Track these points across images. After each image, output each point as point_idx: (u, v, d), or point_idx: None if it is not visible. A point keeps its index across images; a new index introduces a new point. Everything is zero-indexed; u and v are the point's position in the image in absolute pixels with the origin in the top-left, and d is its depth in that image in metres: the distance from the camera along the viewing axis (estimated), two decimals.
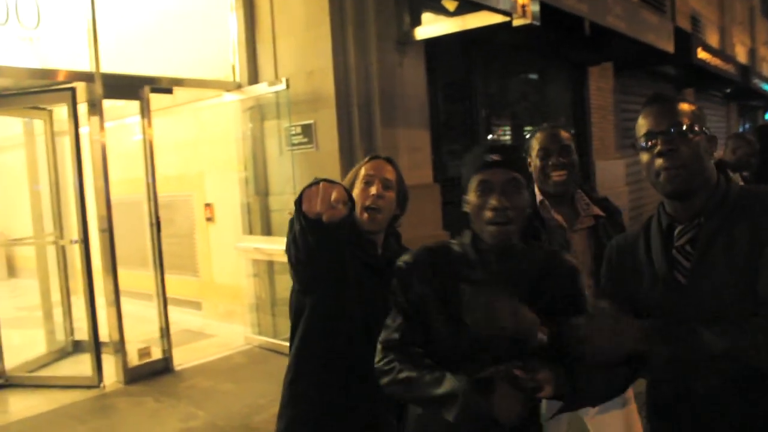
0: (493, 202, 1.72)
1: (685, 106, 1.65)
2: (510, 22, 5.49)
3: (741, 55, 21.44)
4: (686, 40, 11.67)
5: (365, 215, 2.18)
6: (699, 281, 1.59)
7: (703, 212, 1.63)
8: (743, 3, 23.14)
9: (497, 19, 5.57)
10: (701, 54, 12.54)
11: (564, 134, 2.72)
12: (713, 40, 18.06)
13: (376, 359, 1.83)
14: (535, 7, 5.61)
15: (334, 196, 1.67)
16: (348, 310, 2.14)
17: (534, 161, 2.69)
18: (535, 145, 2.71)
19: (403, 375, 1.74)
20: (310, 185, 1.74)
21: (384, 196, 2.21)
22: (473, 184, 1.76)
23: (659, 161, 1.60)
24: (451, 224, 6.85)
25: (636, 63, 11.63)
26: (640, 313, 1.68)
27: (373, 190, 2.19)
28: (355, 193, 2.19)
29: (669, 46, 9.98)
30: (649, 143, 1.63)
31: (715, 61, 13.90)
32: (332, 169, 5.66)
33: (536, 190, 2.67)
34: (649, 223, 1.78)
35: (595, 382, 1.66)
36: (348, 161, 5.69)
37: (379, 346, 1.84)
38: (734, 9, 21.22)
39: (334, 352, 2.16)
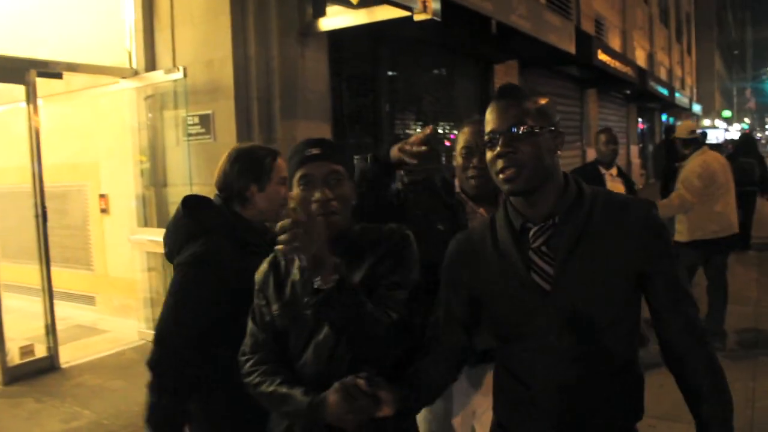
0: (316, 195, 1.76)
1: (529, 104, 1.61)
2: (412, 17, 5.52)
3: (641, 58, 22.41)
4: (587, 43, 12.09)
5: (280, 212, 2.25)
6: (562, 287, 1.57)
7: (556, 211, 1.61)
8: (643, 9, 24.19)
9: (399, 13, 5.59)
10: (601, 56, 13.02)
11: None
12: (615, 43, 18.81)
13: (244, 367, 1.87)
14: (437, 5, 5.66)
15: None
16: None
17: (457, 157, 2.47)
18: (460, 140, 2.46)
19: (260, 389, 1.79)
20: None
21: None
22: (296, 179, 1.81)
23: (499, 162, 1.58)
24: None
25: (540, 62, 11.96)
26: (483, 301, 1.71)
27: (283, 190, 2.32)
28: (271, 191, 2.26)
29: (571, 48, 10.30)
30: (492, 141, 1.61)
31: (614, 64, 14.46)
32: None
33: (457, 184, 2.52)
34: (493, 220, 1.75)
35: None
36: None
37: (242, 354, 1.90)
38: (635, 15, 22.15)
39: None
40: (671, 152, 9.27)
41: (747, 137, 9.94)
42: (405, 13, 5.60)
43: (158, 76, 5.94)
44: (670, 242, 1.64)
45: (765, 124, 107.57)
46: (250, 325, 1.90)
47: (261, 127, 5.63)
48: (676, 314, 1.60)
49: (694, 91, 42.47)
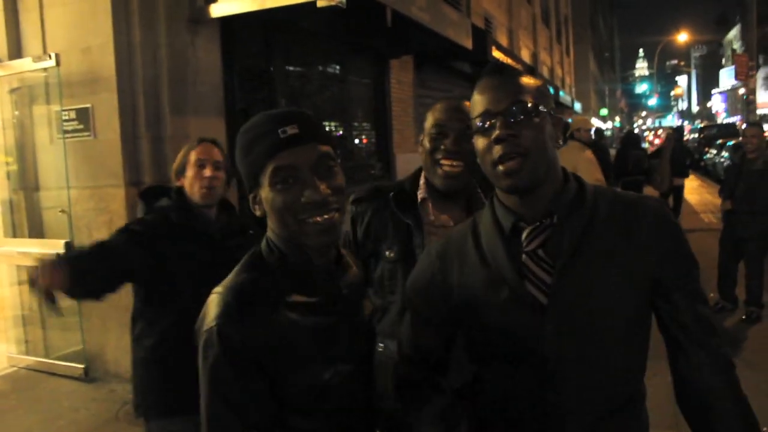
0: (307, 194, 1.23)
1: (528, 81, 1.32)
2: (314, 4, 5.10)
3: (526, 57, 22.99)
4: (482, 39, 12.10)
5: (202, 192, 2.47)
6: (563, 300, 1.28)
7: (554, 209, 1.33)
8: (527, 9, 24.86)
9: None
10: (495, 53, 13.10)
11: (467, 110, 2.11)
12: (503, 41, 19.12)
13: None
14: None
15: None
16: (178, 287, 2.36)
17: (424, 142, 2.04)
18: (429, 120, 2.04)
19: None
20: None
21: (216, 176, 2.50)
22: (267, 175, 1.25)
23: (497, 148, 1.27)
24: (253, 218, 6.40)
25: (435, 58, 11.84)
26: (463, 322, 1.39)
27: (207, 172, 2.47)
28: (190, 175, 2.48)
29: (467, 43, 10.22)
30: (486, 124, 1.29)
31: (506, 60, 14.61)
32: (112, 160, 4.96)
33: (421, 185, 2.09)
34: (475, 222, 1.45)
35: None
36: (131, 151, 5.01)
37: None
38: (520, 14, 22.69)
39: (169, 330, 2.40)
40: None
41: (632, 133, 10.55)
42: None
43: (25, 65, 5.20)
44: (688, 246, 1.35)
45: (633, 122, 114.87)
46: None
47: (148, 122, 5.05)
48: (698, 339, 1.31)
49: (573, 90, 44.31)
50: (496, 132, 1.27)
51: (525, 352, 1.31)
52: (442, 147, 1.93)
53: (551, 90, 25.04)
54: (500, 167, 1.28)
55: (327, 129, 9.00)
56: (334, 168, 1.29)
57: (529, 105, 1.27)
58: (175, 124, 5.18)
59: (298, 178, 1.24)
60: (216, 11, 5.48)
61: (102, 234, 5.10)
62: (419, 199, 2.03)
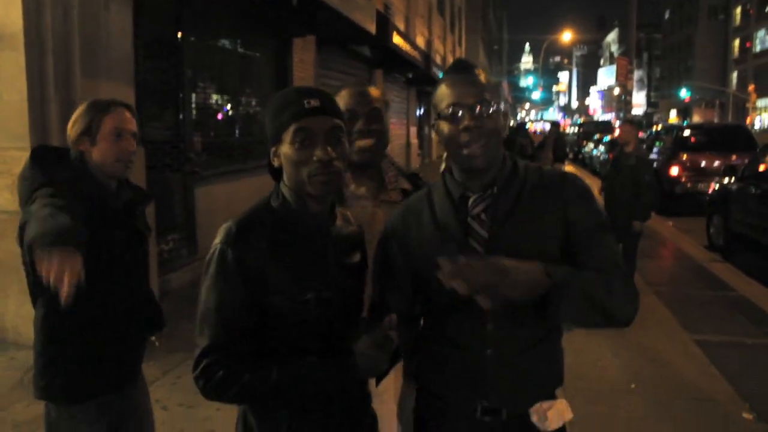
0: (318, 153, 1.53)
1: (488, 80, 1.65)
2: None
3: (421, 44, 23.46)
4: (384, 24, 12.36)
5: (118, 166, 2.29)
6: (495, 250, 1.60)
7: (495, 183, 1.66)
8: None
9: None
10: (396, 38, 13.40)
11: (374, 93, 2.33)
12: (400, 27, 19.47)
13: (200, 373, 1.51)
14: None
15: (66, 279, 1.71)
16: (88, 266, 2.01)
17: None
18: (340, 105, 2.32)
19: (259, 383, 1.51)
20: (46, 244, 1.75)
21: (134, 150, 2.35)
22: (288, 133, 1.55)
23: (464, 135, 1.59)
24: (159, 189, 6.38)
25: (337, 40, 12.01)
26: (423, 278, 1.69)
27: (130, 146, 2.31)
28: (104, 145, 2.26)
29: (372, 27, 10.45)
30: (455, 113, 1.61)
31: (405, 47, 14.98)
32: (18, 124, 4.82)
33: None
34: (430, 192, 1.79)
35: None
36: (39, 114, 4.89)
37: (200, 356, 1.51)
38: (417, 2, 23.14)
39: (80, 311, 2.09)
40: None
41: (522, 124, 12.16)
42: None
43: None
44: (595, 201, 1.71)
45: (516, 113, 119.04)
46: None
47: (57, 84, 4.94)
48: (609, 267, 1.61)
49: None
50: (465, 122, 1.59)
51: (464, 298, 1.57)
52: (355, 129, 2.21)
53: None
54: (465, 151, 1.61)
55: (228, 102, 9.00)
56: (342, 139, 1.60)
57: (491, 102, 1.60)
58: (85, 87, 5.09)
59: (313, 141, 1.54)
60: None
61: (4, 197, 4.98)
62: None
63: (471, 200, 1.68)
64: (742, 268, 8.30)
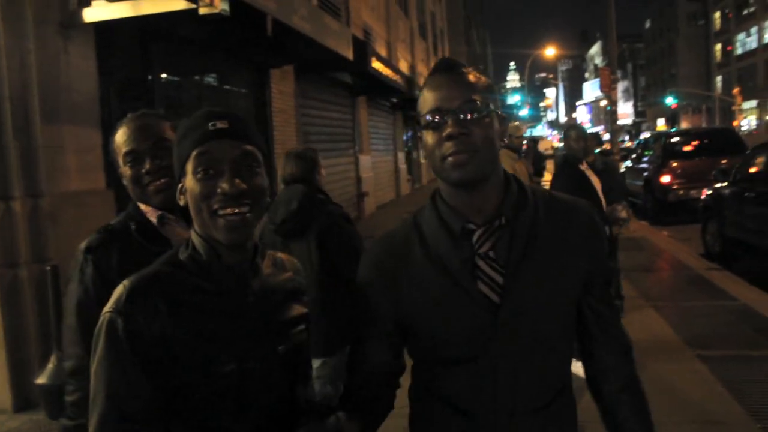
0: (223, 185, 1.26)
1: (478, 79, 1.36)
2: (195, 12, 5.01)
3: (404, 68, 23.48)
4: (363, 49, 12.26)
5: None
6: (516, 298, 1.35)
7: (502, 210, 1.38)
8: (405, 22, 25.45)
9: (178, 5, 5.06)
10: (375, 64, 13.30)
11: (157, 122, 1.94)
12: (382, 53, 19.44)
13: None
14: (224, 4, 5.21)
15: None
16: None
17: (123, 169, 1.92)
18: (119, 147, 1.92)
19: None
20: None
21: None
22: (191, 161, 1.30)
23: (448, 145, 1.31)
24: None
25: (315, 68, 11.89)
26: (414, 326, 1.43)
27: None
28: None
29: (348, 53, 10.32)
30: (436, 119, 1.33)
31: (386, 72, 14.89)
32: None
33: (139, 204, 1.95)
34: (416, 221, 1.47)
35: None
36: None
37: None
38: (398, 27, 23.21)
39: None
40: None
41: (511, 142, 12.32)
42: (186, 6, 5.08)
43: None
44: (606, 248, 1.52)
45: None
46: None
47: (16, 132, 4.76)
48: (608, 326, 1.50)
49: None
50: (448, 129, 1.31)
51: (476, 351, 1.36)
52: (145, 171, 1.87)
53: None
54: (449, 160, 1.32)
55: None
56: (256, 169, 1.32)
57: (479, 104, 1.32)
58: (47, 133, 4.92)
59: (218, 170, 1.28)
60: (89, 16, 5.28)
61: None
62: (156, 221, 1.92)
63: (476, 235, 1.38)
64: (741, 274, 8.08)
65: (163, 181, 1.87)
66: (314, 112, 13.10)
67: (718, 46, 70.39)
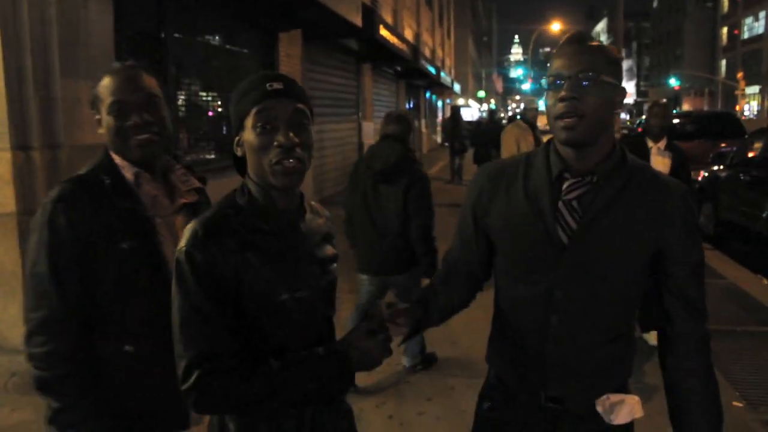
0: (280, 138, 1.43)
1: (600, 55, 1.54)
2: None
3: (409, 36, 23.41)
4: (371, 17, 12.29)
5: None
6: (580, 247, 1.56)
7: (597, 170, 1.58)
8: None
9: None
10: (382, 31, 13.33)
11: (148, 79, 1.90)
12: (388, 20, 19.39)
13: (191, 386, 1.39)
14: None
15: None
16: None
17: (105, 119, 1.86)
18: (104, 95, 1.85)
19: (252, 389, 1.39)
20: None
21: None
22: (250, 117, 1.45)
23: (560, 105, 1.52)
24: None
25: (323, 33, 11.93)
26: (501, 245, 1.70)
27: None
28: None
29: (357, 20, 10.38)
30: (556, 83, 1.54)
31: (393, 39, 14.91)
32: None
33: (114, 156, 1.90)
34: (529, 159, 1.70)
35: None
36: (18, 113, 4.84)
37: (187, 367, 1.40)
38: None
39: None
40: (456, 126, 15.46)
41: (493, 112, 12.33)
42: None
43: None
44: (698, 234, 1.65)
45: (507, 105, 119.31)
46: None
47: (37, 84, 4.87)
48: (684, 313, 1.64)
49: (453, 71, 45.48)
50: (562, 93, 1.51)
51: (540, 278, 1.61)
52: (128, 124, 1.84)
53: (432, 69, 25.68)
54: (560, 122, 1.53)
55: (215, 99, 8.93)
56: (307, 125, 1.49)
57: (591, 74, 1.50)
58: (65, 86, 5.04)
59: (275, 126, 1.44)
60: None
61: None
62: (132, 173, 1.90)
63: (566, 183, 1.60)
64: (732, 255, 8.30)
65: (147, 136, 1.85)
66: (320, 76, 13.17)
67: (725, 30, 69.96)
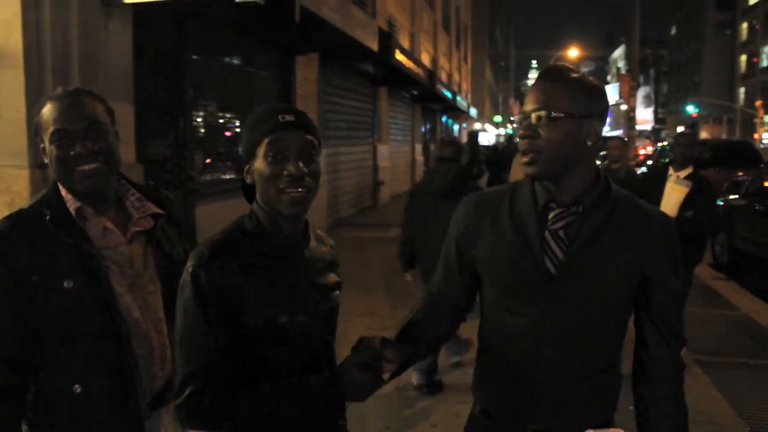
0: (290, 168, 1.50)
1: (564, 88, 1.54)
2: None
3: (426, 61, 23.58)
4: (387, 41, 12.42)
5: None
6: (568, 277, 1.58)
7: (582, 200, 1.59)
8: (429, 15, 25.50)
9: None
10: (398, 56, 13.45)
11: (92, 105, 1.78)
12: (405, 44, 19.56)
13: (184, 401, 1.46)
14: None
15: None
16: None
17: (48, 148, 1.74)
18: (46, 124, 1.74)
19: (244, 407, 1.45)
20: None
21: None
22: (262, 147, 1.52)
23: (521, 142, 1.58)
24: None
25: (340, 57, 12.06)
26: (488, 267, 1.69)
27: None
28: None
29: (373, 45, 10.48)
30: (521, 119, 1.59)
31: (409, 64, 15.03)
32: (17, 141, 4.84)
33: (60, 188, 1.81)
34: (515, 189, 1.71)
35: None
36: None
37: (183, 381, 1.47)
38: (423, 19, 23.26)
39: None
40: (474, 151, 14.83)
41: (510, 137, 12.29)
42: None
43: None
44: (679, 261, 1.67)
45: None
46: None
47: None
48: (660, 338, 1.65)
49: (469, 96, 45.66)
50: (521, 131, 1.56)
51: (528, 309, 1.62)
52: (72, 153, 1.73)
53: (449, 93, 25.79)
54: (522, 158, 1.58)
55: (232, 121, 9.03)
56: (315, 156, 1.57)
57: (545, 113, 1.52)
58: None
59: (286, 156, 1.51)
60: None
61: (2, 214, 4.98)
62: (74, 208, 1.80)
63: (552, 213, 1.61)
64: (746, 286, 8.21)
65: (93, 166, 1.74)
66: (336, 99, 13.28)
67: (743, 57, 69.79)
